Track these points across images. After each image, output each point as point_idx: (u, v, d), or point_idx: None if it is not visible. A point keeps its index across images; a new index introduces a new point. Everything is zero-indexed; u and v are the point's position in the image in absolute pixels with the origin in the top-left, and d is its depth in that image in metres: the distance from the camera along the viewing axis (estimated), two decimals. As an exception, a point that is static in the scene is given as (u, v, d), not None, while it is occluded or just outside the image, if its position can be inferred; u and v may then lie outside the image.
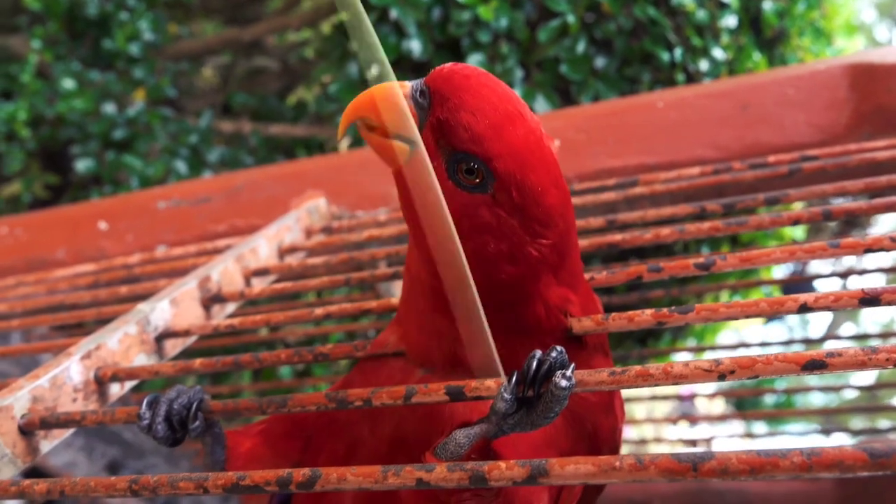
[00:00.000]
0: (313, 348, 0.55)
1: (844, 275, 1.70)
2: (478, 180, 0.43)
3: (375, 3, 1.77)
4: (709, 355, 1.79)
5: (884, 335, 1.82)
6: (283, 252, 0.86)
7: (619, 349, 1.63)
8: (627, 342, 1.98)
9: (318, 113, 2.40)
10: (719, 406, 4.27)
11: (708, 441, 1.67)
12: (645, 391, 2.34)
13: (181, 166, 2.26)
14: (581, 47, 1.76)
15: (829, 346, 1.22)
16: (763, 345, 1.72)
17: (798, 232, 2.16)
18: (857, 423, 3.11)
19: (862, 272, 1.18)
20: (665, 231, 0.61)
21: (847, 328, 5.30)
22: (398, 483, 0.35)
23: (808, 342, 1.45)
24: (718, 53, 1.84)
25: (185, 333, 0.65)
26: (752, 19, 1.98)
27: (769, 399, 4.36)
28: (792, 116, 0.98)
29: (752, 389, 3.30)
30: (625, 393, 0.55)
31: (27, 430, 0.51)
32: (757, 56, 1.96)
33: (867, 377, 2.28)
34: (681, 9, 1.79)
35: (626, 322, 0.47)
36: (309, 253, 0.88)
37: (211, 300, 0.70)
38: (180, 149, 2.30)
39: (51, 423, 0.50)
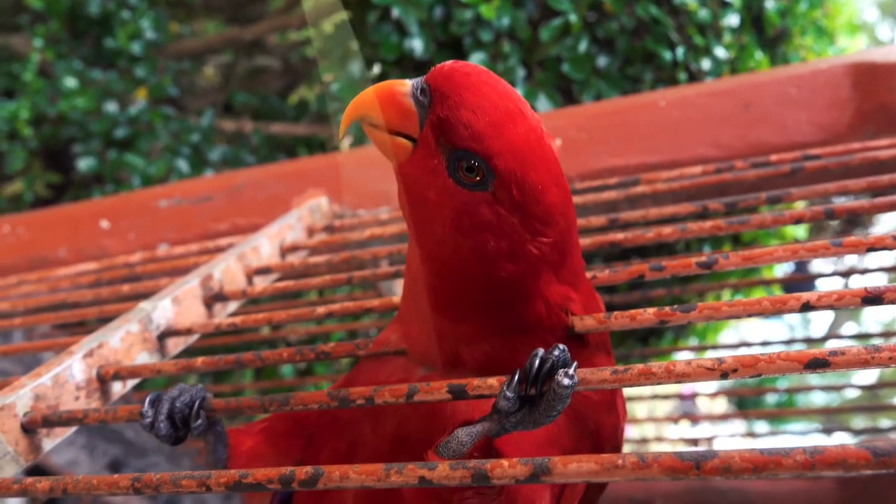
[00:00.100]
0: (315, 347, 0.55)
1: (846, 274, 1.70)
2: (478, 178, 0.43)
3: (377, 2, 1.77)
4: (710, 354, 1.79)
5: (886, 334, 1.82)
6: (285, 251, 0.86)
7: (620, 348, 1.63)
8: (629, 341, 1.98)
9: (319, 112, 2.40)
10: (721, 405, 4.28)
11: (709, 440, 1.67)
12: (646, 390, 2.34)
13: (183, 165, 2.25)
14: (583, 46, 1.75)
15: (831, 345, 1.22)
16: (764, 344, 1.72)
17: (800, 231, 2.16)
18: (859, 422, 3.11)
19: (864, 271, 1.18)
20: (667, 230, 0.61)
21: (849, 327, 5.29)
22: (401, 481, 0.35)
23: (809, 341, 1.44)
24: (720, 52, 1.84)
25: (187, 332, 0.65)
26: (754, 18, 1.98)
27: (771, 398, 4.36)
28: (794, 115, 0.97)
29: (754, 388, 3.30)
30: (626, 392, 0.54)
31: (29, 429, 0.51)
32: (759, 55, 1.96)
33: (869, 376, 2.28)
34: (683, 8, 1.78)
35: (628, 320, 0.47)
36: (311, 251, 0.88)
37: (213, 299, 0.70)
38: (182, 147, 2.30)
39: (53, 421, 0.51)
